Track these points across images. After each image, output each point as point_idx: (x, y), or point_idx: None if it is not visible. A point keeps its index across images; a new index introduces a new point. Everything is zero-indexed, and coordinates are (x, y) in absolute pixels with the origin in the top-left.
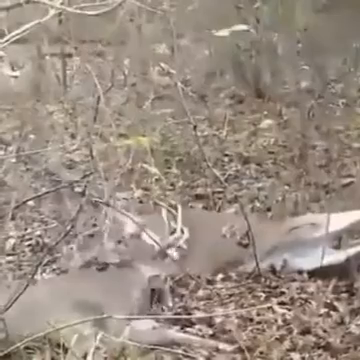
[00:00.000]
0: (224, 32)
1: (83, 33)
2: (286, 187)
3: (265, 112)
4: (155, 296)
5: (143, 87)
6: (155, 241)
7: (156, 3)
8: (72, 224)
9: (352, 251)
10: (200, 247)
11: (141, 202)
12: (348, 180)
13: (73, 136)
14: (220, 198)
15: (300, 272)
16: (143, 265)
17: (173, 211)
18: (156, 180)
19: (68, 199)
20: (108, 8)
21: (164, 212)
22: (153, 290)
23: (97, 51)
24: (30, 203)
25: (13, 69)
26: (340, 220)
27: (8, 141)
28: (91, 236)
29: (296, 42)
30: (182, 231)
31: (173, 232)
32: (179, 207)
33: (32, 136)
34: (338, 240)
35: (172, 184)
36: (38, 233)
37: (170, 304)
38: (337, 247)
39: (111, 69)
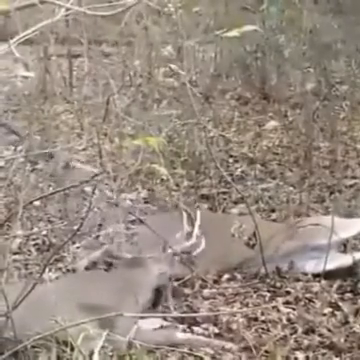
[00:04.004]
0: (234, 33)
1: (89, 34)
2: (291, 188)
3: (270, 114)
4: (162, 294)
5: (149, 88)
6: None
7: (162, 5)
8: (81, 223)
9: (358, 255)
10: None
11: (147, 202)
12: (352, 181)
13: (80, 136)
14: (225, 199)
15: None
16: (150, 264)
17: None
18: (161, 180)
19: (75, 199)
20: (120, 9)
21: (184, 216)
22: (158, 289)
23: (104, 52)
24: (36, 203)
25: (27, 70)
26: (348, 226)
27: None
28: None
29: (302, 44)
30: (198, 239)
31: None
32: (198, 213)
33: (38, 137)
34: (344, 244)
35: (177, 185)
36: (44, 232)
37: (171, 302)
38: (343, 251)
39: (121, 70)
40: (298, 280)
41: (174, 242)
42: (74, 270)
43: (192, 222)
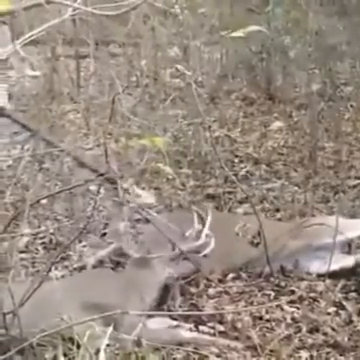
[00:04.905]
0: (239, 33)
1: (97, 35)
2: (295, 188)
3: (275, 114)
4: (169, 293)
5: (155, 88)
6: (177, 246)
7: (169, 5)
8: (87, 222)
9: None
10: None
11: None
12: (356, 182)
13: (86, 136)
14: (230, 198)
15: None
16: (158, 263)
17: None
18: (167, 180)
19: (82, 198)
20: (125, 9)
21: (195, 215)
22: (165, 287)
23: (111, 52)
24: (43, 201)
25: (33, 69)
26: (352, 226)
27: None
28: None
29: (307, 46)
30: (208, 239)
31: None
32: (209, 212)
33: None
34: (348, 245)
35: (183, 184)
36: (51, 231)
37: (177, 301)
38: (348, 252)
39: (127, 70)
40: (302, 279)
41: (183, 241)
42: (83, 268)
43: (202, 221)
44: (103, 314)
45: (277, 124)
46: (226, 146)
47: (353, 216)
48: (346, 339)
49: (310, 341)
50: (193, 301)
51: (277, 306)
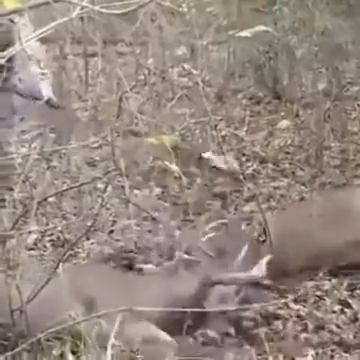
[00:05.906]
0: (246, 33)
1: (105, 33)
2: (302, 187)
3: (282, 113)
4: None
5: (163, 87)
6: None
7: (177, 4)
8: (94, 219)
9: None
10: None
11: (159, 199)
12: None
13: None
14: (237, 197)
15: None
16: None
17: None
18: (175, 178)
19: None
20: (133, 7)
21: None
22: None
23: (119, 51)
24: (51, 199)
25: (41, 67)
26: None
27: None
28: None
29: (313, 45)
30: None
31: None
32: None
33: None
34: None
35: (190, 182)
36: (59, 228)
37: None
38: None
39: (134, 69)
40: (309, 278)
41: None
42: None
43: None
44: (108, 311)
45: (284, 123)
46: (233, 145)
47: None
48: (351, 337)
49: (316, 339)
50: None
51: (283, 304)
